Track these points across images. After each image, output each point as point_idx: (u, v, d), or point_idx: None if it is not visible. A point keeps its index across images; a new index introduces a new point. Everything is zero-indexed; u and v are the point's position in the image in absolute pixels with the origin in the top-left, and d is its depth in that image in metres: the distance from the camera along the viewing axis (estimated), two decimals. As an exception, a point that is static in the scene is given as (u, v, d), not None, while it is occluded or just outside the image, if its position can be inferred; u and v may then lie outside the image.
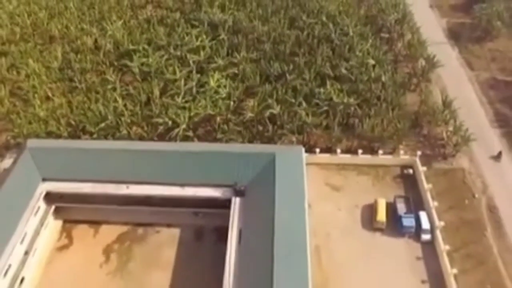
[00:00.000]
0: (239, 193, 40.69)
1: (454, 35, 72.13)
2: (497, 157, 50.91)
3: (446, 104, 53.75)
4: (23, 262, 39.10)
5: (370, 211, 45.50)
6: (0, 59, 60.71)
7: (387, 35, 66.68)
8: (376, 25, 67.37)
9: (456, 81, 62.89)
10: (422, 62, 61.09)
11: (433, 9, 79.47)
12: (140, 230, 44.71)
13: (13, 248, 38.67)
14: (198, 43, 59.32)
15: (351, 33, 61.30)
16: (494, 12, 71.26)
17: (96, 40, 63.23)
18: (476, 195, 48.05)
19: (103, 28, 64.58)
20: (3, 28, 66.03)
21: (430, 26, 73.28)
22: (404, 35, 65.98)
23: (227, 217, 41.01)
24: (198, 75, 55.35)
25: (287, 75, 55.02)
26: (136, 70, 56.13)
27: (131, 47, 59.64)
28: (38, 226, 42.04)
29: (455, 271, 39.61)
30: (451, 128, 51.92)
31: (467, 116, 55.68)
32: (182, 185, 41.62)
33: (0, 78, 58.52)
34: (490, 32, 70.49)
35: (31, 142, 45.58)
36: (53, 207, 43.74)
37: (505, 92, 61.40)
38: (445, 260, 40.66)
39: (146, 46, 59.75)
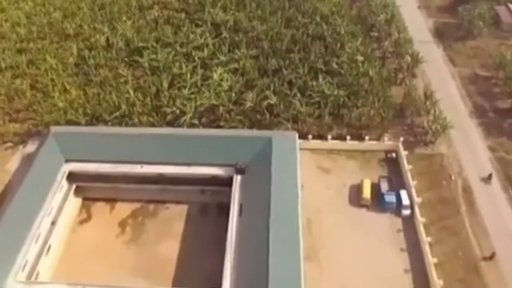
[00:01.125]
0: (239, 171, 46.12)
1: (439, 34, 77.70)
2: (488, 179, 52.27)
3: (428, 95, 59.25)
4: (50, 231, 44.40)
5: (356, 190, 50.94)
6: (20, 55, 66.40)
7: (376, 34, 72.33)
8: (366, 24, 72.96)
9: (439, 76, 68.38)
10: (408, 58, 66.62)
11: (421, 10, 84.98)
12: (152, 207, 50.18)
13: (42, 219, 44.00)
14: (202, 41, 64.92)
15: (342, 32, 66.88)
16: (476, 13, 76.76)
17: (108, 39, 68.72)
18: (453, 177, 53.50)
19: (114, 28, 70.10)
20: (21, 27, 71.60)
21: (418, 25, 79.06)
22: (392, 34, 71.35)
23: (228, 195, 46.45)
24: (202, 70, 60.97)
25: (283, 69, 60.60)
26: (146, 65, 61.67)
27: (140, 44, 65.24)
28: (62, 202, 47.33)
29: (429, 239, 45.09)
30: (431, 117, 57.37)
31: (448, 107, 61.23)
32: (189, 164, 47.06)
33: (20, 73, 64.15)
34: (472, 31, 76.00)
35: (54, 129, 51.10)
36: (74, 186, 49.11)
37: (484, 86, 66.89)
38: (422, 231, 46.04)
39: (154, 44, 65.30)
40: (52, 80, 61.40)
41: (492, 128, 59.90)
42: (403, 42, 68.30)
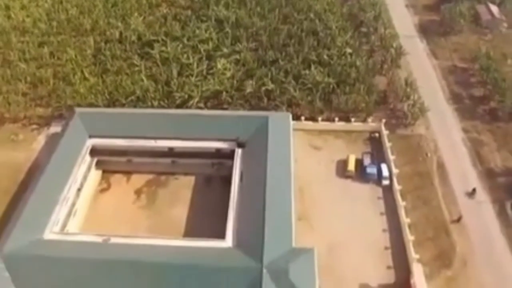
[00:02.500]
0: (240, 144, 53.16)
1: (424, 30, 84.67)
2: (471, 193, 55.09)
3: (408, 83, 66.28)
4: (76, 197, 51.41)
5: (343, 164, 57.96)
6: (42, 48, 73.56)
7: (365, 30, 79.37)
8: (356, 21, 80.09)
9: (421, 67, 75.38)
10: (392, 51, 73.61)
11: (408, 8, 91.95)
12: (163, 178, 57.19)
13: (70, 186, 50.97)
14: (207, 35, 72.03)
15: (333, 27, 73.98)
16: (458, 11, 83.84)
17: (121, 33, 75.82)
18: (429, 154, 60.54)
19: (126, 23, 77.22)
20: (42, 23, 78.76)
21: (404, 22, 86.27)
22: (379, 29, 78.35)
23: (230, 168, 53.36)
24: (207, 61, 68.16)
25: (280, 60, 67.76)
26: (157, 57, 68.74)
27: (151, 38, 72.36)
28: (86, 173, 54.38)
29: (404, 203, 52.10)
30: (411, 102, 64.34)
31: (428, 95, 68.43)
32: (196, 139, 54.07)
33: (43, 63, 71.26)
34: (454, 28, 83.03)
35: (79, 109, 58.35)
36: (95, 159, 56.16)
37: (462, 76, 73.90)
38: (399, 198, 53.08)
39: (164, 38, 72.39)
40: (73, 69, 68.58)
41: (466, 113, 67.00)
42: (389, 36, 75.37)
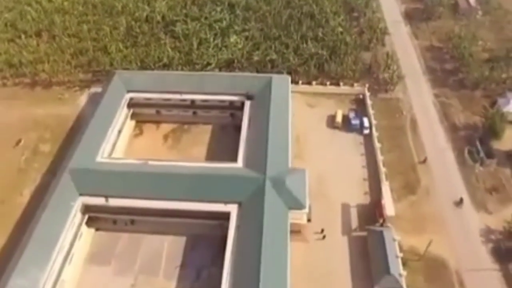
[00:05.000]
0: (249, 97, 66.09)
1: (408, 16, 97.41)
2: (459, 203, 59.71)
3: (389, 56, 79.07)
4: (117, 137, 64.26)
5: (332, 118, 70.82)
6: (82, 25, 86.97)
7: (356, 14, 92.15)
8: (348, 7, 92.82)
9: (404, 46, 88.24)
10: (378, 32, 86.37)
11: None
12: (186, 126, 70.35)
13: (112, 129, 63.91)
14: (221, 16, 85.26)
15: (328, 11, 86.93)
16: (439, 0, 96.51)
17: (147, 15, 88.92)
18: (404, 113, 73.28)
19: (152, 6, 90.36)
20: (80, 5, 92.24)
21: (392, 9, 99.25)
22: (367, 14, 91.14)
23: (241, 119, 66.10)
24: (222, 37, 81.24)
25: (282, 36, 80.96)
26: (179, 33, 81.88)
27: (174, 18, 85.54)
28: (124, 122, 67.36)
29: (380, 145, 64.83)
30: (391, 71, 77.04)
31: (407, 68, 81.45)
32: (214, 93, 67.08)
33: (83, 37, 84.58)
34: (434, 14, 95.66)
35: (118, 71, 71.75)
36: (131, 111, 69.23)
37: (437, 54, 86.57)
38: (376, 142, 65.84)
39: (185, 18, 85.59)
40: (109, 42, 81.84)
41: (438, 82, 79.72)
42: (376, 20, 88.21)
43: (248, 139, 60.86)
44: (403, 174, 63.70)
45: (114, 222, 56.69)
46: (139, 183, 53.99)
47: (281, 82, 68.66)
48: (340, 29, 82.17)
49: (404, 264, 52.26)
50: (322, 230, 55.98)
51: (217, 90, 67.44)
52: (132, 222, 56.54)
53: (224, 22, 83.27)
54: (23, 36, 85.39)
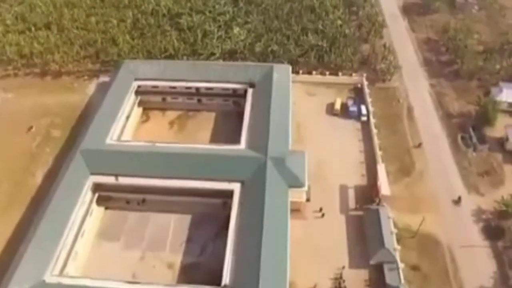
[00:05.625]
0: (251, 85, 68.99)
1: (406, 10, 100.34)
2: (458, 201, 60.68)
3: (386, 47, 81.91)
4: (125, 122, 67.23)
5: (331, 106, 73.68)
6: (90, 18, 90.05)
7: (355, 9, 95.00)
8: (348, 0, 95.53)
9: (401, 39, 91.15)
10: (376, 24, 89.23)
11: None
12: (191, 113, 73.39)
13: (121, 114, 66.87)
14: (224, 9, 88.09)
15: (328, 5, 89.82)
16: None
17: (153, 9, 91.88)
18: (401, 101, 76.13)
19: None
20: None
21: (390, 3, 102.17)
22: (366, 8, 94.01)
23: (244, 106, 68.96)
24: (225, 29, 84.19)
25: (283, 29, 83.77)
26: (185, 25, 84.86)
27: (179, 11, 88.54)
28: (131, 108, 70.39)
29: (377, 131, 67.66)
30: (388, 62, 79.86)
31: (404, 59, 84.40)
32: (217, 81, 70.02)
33: (92, 29, 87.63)
34: (431, 8, 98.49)
35: (126, 61, 74.88)
36: (139, 98, 72.22)
37: (433, 46, 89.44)
38: (373, 127, 68.66)
39: (189, 11, 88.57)
40: (116, 33, 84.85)
41: (434, 72, 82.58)
42: (374, 13, 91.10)
43: (250, 124, 63.70)
44: (399, 158, 66.49)
45: (123, 201, 59.57)
46: (147, 162, 57.00)
47: (282, 71, 71.60)
48: (339, 22, 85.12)
49: (398, 240, 55.05)
50: (321, 209, 58.81)
51: (221, 78, 70.40)
52: (140, 201, 59.44)
53: (228, 15, 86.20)
54: (33, 29, 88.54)
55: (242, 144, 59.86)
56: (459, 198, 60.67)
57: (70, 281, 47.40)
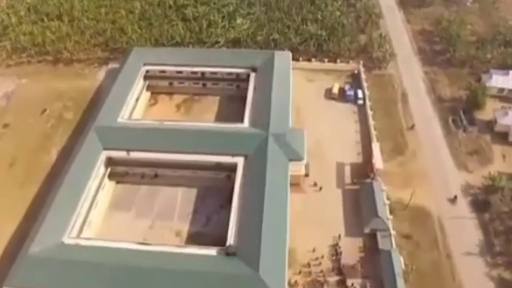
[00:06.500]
0: (254, 69, 73.13)
1: (402, 3, 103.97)
2: (454, 199, 62.00)
3: (382, 36, 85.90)
4: (135, 104, 71.39)
5: (330, 91, 77.62)
6: (100, 9, 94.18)
7: (353, 0, 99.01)
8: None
9: (397, 29, 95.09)
10: (373, 16, 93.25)
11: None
12: (197, 97, 77.52)
13: (130, 97, 70.93)
14: (228, 1, 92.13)
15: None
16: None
17: (159, 0, 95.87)
18: (395, 87, 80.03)
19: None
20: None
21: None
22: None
23: (246, 90, 72.91)
24: (229, 19, 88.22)
25: (284, 19, 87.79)
26: (190, 15, 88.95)
27: (185, 2, 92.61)
28: (140, 92, 74.45)
29: (372, 113, 71.62)
30: (384, 50, 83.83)
31: (400, 48, 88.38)
32: (222, 66, 74.08)
33: (101, 19, 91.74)
34: (426, 1, 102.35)
35: (135, 48, 79.00)
36: (147, 83, 76.28)
37: (428, 36, 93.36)
38: (368, 110, 72.61)
39: (194, 2, 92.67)
40: (126, 22, 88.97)
41: (428, 61, 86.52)
42: (371, 5, 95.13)
43: (253, 105, 67.80)
44: (392, 138, 70.41)
45: (133, 176, 63.48)
46: (156, 138, 61.15)
47: (283, 56, 75.77)
48: (338, 13, 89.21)
49: (391, 212, 59.02)
50: (315, 183, 62.54)
51: (225, 64, 74.60)
52: (149, 176, 63.41)
53: (231, 7, 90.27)
54: (45, 19, 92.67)
55: (245, 123, 63.92)
56: (455, 197, 62.35)
57: (86, 242, 51.41)
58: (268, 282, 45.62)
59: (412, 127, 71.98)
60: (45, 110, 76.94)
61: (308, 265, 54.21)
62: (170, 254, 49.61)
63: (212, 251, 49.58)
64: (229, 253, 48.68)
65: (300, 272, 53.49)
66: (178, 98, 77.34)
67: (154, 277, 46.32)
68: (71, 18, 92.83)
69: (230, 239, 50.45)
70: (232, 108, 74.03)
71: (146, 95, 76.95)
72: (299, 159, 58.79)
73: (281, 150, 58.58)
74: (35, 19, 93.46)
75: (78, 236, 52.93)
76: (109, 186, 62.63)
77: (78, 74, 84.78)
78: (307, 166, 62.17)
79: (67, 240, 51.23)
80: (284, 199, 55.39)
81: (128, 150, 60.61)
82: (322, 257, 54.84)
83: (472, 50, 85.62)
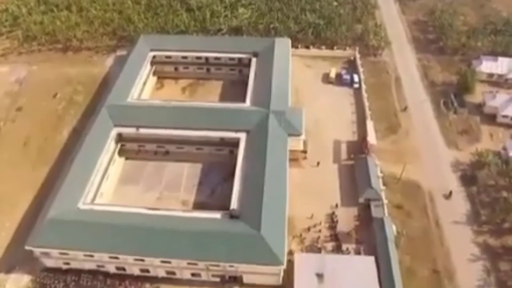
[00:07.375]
0: (255, 54, 77.18)
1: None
2: (448, 196, 63.18)
3: (378, 25, 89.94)
4: (143, 88, 75.29)
5: (327, 75, 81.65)
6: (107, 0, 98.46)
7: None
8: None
9: (392, 20, 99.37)
10: (369, 7, 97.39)
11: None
12: (201, 81, 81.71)
13: (138, 81, 74.86)
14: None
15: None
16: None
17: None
18: (389, 72, 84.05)
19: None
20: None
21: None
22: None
23: (247, 76, 76.86)
24: (231, 9, 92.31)
25: (284, 9, 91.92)
26: (194, 5, 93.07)
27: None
28: (148, 76, 78.41)
29: (367, 95, 75.62)
30: (379, 38, 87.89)
31: (394, 37, 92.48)
32: (224, 52, 78.15)
33: (110, 8, 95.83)
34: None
35: (143, 35, 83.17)
36: (154, 68, 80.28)
37: (422, 26, 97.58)
38: (364, 93, 76.60)
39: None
40: (132, 12, 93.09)
41: (421, 49, 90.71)
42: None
43: (254, 87, 71.80)
44: (386, 119, 74.40)
45: (142, 152, 67.38)
46: (164, 115, 65.16)
47: (282, 43, 79.96)
48: (335, 3, 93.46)
49: (384, 185, 62.82)
50: (305, 156, 66.31)
51: (228, 49, 78.62)
52: (156, 153, 67.35)
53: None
54: (55, 9, 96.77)
55: (247, 102, 67.93)
56: (450, 192, 63.73)
57: (100, 208, 55.30)
58: (268, 241, 49.46)
59: (405, 108, 75.98)
60: (56, 93, 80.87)
61: (308, 229, 58.11)
62: (178, 218, 53.47)
63: (216, 215, 53.43)
64: (232, 215, 52.54)
65: (300, 235, 57.35)
66: (183, 82, 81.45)
67: (164, 236, 50.16)
68: (80, 8, 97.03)
69: (234, 204, 54.29)
70: (234, 92, 78.01)
71: (153, 79, 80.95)
72: (298, 134, 62.78)
73: (280, 126, 62.53)
74: (45, 10, 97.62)
75: (92, 203, 56.83)
76: (119, 162, 66.52)
77: (87, 61, 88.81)
78: (305, 143, 66.13)
79: (82, 206, 55.09)
80: (284, 170, 59.24)
81: (137, 127, 64.54)
82: (320, 223, 58.76)
83: (463, 39, 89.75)
